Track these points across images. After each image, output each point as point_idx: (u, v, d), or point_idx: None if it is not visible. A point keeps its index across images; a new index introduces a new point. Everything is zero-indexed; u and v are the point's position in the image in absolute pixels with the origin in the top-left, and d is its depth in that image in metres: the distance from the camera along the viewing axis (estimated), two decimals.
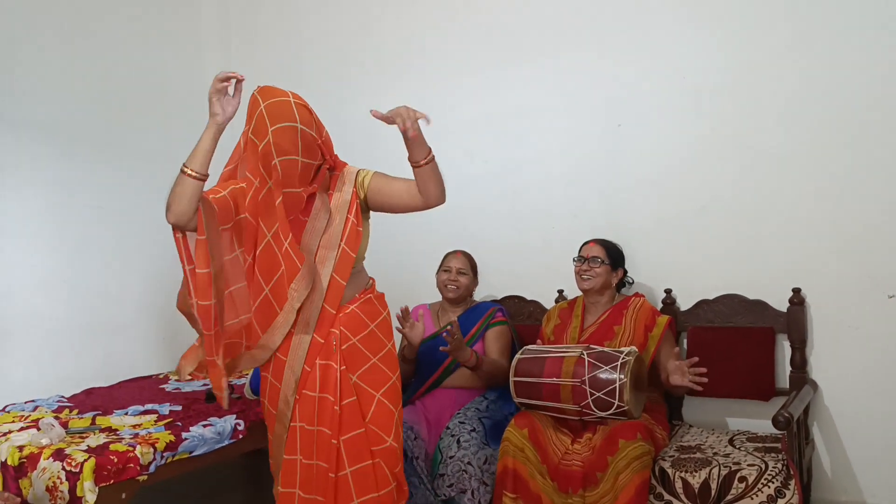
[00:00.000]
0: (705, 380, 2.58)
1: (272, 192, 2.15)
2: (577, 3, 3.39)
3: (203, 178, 2.10)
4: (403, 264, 3.71)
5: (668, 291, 3.19)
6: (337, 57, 4.06)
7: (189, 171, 2.09)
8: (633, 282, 3.14)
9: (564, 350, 2.74)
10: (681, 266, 3.18)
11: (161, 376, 3.83)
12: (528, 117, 3.51)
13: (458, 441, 2.75)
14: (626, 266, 3.08)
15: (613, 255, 3.02)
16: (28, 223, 3.58)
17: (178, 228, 2.11)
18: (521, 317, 3.49)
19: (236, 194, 2.21)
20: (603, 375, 2.58)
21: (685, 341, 3.14)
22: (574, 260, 3.05)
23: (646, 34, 3.23)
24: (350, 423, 2.20)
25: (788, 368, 2.95)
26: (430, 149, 2.15)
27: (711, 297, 3.11)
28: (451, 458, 2.72)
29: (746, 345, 2.98)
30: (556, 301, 3.40)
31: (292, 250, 2.15)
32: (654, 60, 3.22)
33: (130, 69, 4.04)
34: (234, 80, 2.15)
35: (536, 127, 3.50)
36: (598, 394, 2.58)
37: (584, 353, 2.67)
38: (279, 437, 2.29)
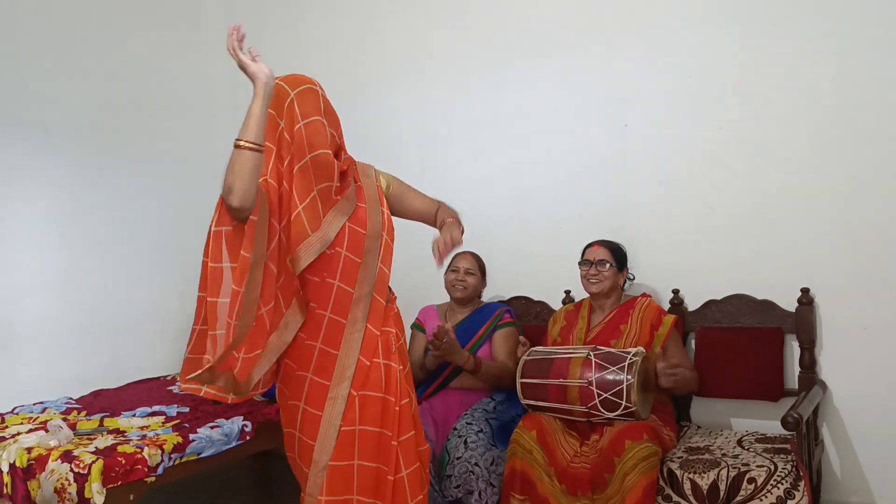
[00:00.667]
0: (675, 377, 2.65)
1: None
2: (582, 3, 3.38)
3: (261, 148, 1.95)
4: (412, 264, 3.70)
5: (675, 292, 3.18)
6: (343, 59, 4.05)
7: (245, 144, 1.93)
8: (633, 278, 3.12)
9: (571, 351, 2.74)
10: (688, 266, 3.17)
11: (169, 378, 3.84)
12: (534, 117, 3.50)
13: (466, 442, 2.74)
14: (629, 266, 3.07)
15: (619, 257, 3.01)
16: (36, 225, 3.59)
17: (239, 214, 1.93)
18: (528, 317, 3.48)
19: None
20: (610, 376, 2.57)
21: (693, 342, 3.13)
22: (579, 263, 3.04)
23: (652, 34, 3.22)
24: (405, 424, 2.13)
25: (797, 369, 2.93)
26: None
27: (719, 297, 3.10)
28: (458, 458, 2.71)
29: (755, 345, 2.97)
30: (564, 302, 3.39)
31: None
32: (661, 60, 3.21)
33: (137, 73, 4.06)
34: (243, 36, 2.09)
35: (542, 127, 3.49)
36: (605, 395, 2.57)
37: (591, 353, 2.66)
38: (323, 442, 2.07)
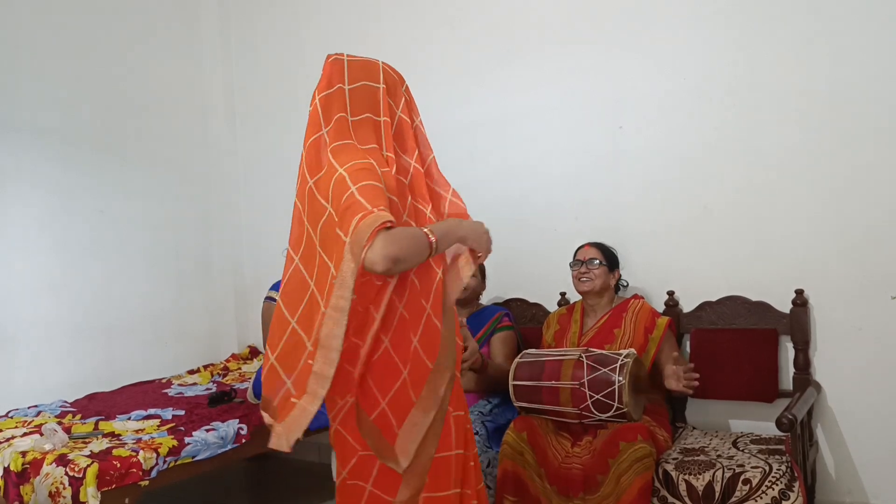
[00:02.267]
0: (697, 384, 2.60)
1: None
2: (577, 5, 3.39)
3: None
4: None
5: (670, 293, 3.18)
6: None
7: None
8: (627, 284, 3.13)
9: (563, 353, 2.74)
10: (683, 268, 3.18)
11: (164, 381, 3.84)
12: (530, 119, 3.51)
13: None
14: (621, 269, 3.08)
15: (609, 257, 3.02)
16: (30, 228, 3.59)
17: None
18: (523, 319, 3.49)
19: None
20: (602, 377, 2.58)
21: (688, 343, 3.14)
22: (570, 265, 3.05)
23: (647, 36, 3.23)
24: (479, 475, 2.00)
25: (792, 370, 2.94)
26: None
27: (714, 298, 3.10)
28: None
29: (749, 346, 2.98)
30: (559, 304, 3.39)
31: None
32: (656, 62, 3.22)
33: (131, 75, 4.06)
34: None
35: (538, 129, 3.49)
36: (597, 396, 2.57)
37: (583, 355, 2.67)
38: (434, 432, 1.78)
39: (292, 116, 4.25)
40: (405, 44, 3.86)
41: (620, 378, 2.55)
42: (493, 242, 1.97)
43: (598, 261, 2.97)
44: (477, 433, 2.80)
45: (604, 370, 2.59)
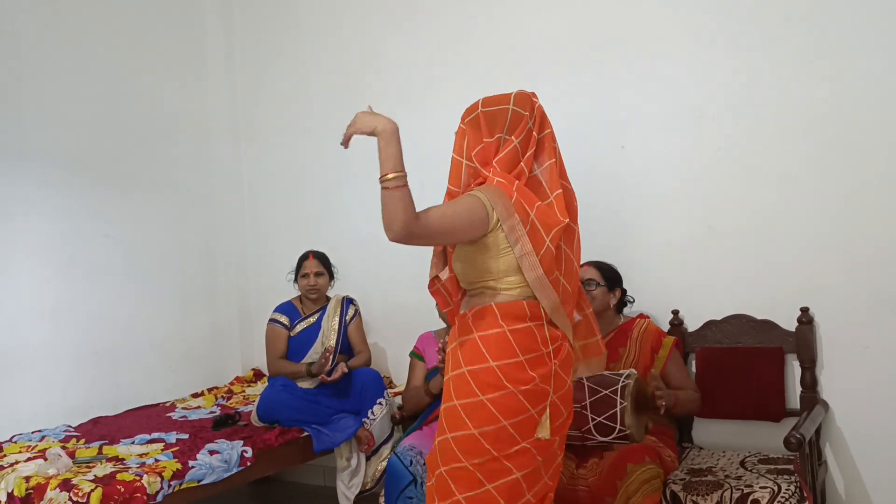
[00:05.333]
0: (663, 403, 2.61)
1: None
2: (578, 26, 3.41)
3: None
4: (409, 294, 3.72)
5: (675, 312, 3.17)
6: (342, 81, 4.09)
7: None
8: (633, 301, 3.10)
9: None
10: (688, 287, 3.17)
11: (168, 404, 3.83)
12: None
13: None
14: (624, 286, 3.05)
15: (608, 276, 3.00)
16: (35, 252, 3.60)
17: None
18: None
19: None
20: (603, 400, 2.55)
21: (694, 362, 3.12)
22: None
23: (647, 56, 3.25)
24: None
25: (799, 388, 2.92)
26: (390, 170, 1.92)
27: (719, 317, 3.09)
28: None
29: (756, 365, 2.96)
30: None
31: None
32: (657, 82, 3.23)
33: (136, 99, 4.09)
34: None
35: None
36: (598, 419, 2.55)
37: (583, 377, 2.65)
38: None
39: (297, 140, 4.30)
40: (409, 67, 3.89)
41: (622, 401, 2.52)
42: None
43: (595, 282, 2.95)
44: None
45: (605, 392, 2.57)
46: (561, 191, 2.21)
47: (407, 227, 1.90)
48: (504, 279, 2.10)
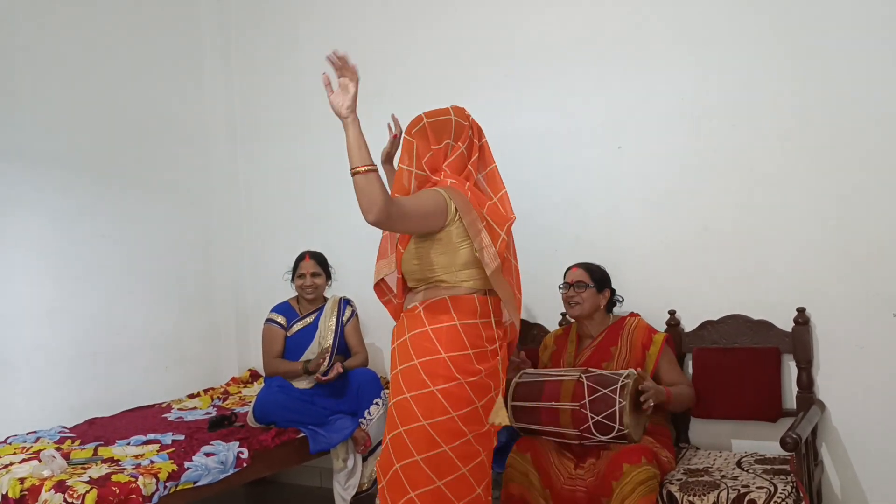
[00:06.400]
0: (652, 403, 2.61)
1: None
2: (575, 27, 3.41)
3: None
4: None
5: (671, 313, 3.17)
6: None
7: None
8: (622, 300, 3.10)
9: (563, 374, 2.73)
10: (684, 287, 3.17)
11: (163, 405, 3.82)
12: (529, 141, 3.52)
13: None
14: (613, 285, 3.06)
15: (597, 277, 3.00)
16: (30, 253, 3.58)
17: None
18: (524, 340, 3.47)
19: None
20: (602, 399, 2.56)
21: (690, 363, 3.12)
22: (560, 287, 3.05)
23: (645, 56, 3.25)
24: None
25: (795, 389, 2.93)
26: (360, 161, 2.03)
27: (716, 318, 3.09)
28: None
29: (752, 365, 2.96)
30: (560, 324, 3.38)
31: None
32: (654, 82, 3.23)
33: (133, 100, 4.07)
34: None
35: (537, 151, 3.50)
36: (597, 417, 2.55)
37: (583, 376, 2.65)
38: None
39: (294, 140, 4.29)
40: (406, 67, 3.89)
41: (621, 400, 2.53)
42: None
43: (584, 284, 2.96)
44: None
45: (604, 391, 2.57)
46: (504, 191, 2.38)
47: (386, 207, 2.02)
48: (459, 272, 2.23)
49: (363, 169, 2.02)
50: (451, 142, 2.32)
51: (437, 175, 2.31)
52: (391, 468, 2.19)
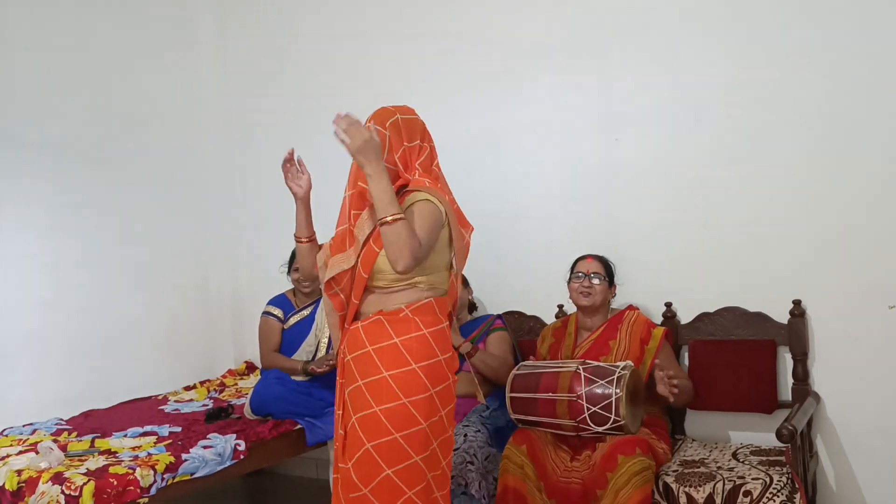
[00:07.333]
0: (676, 391, 2.66)
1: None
2: (574, 18, 3.40)
3: (308, 240, 2.41)
4: None
5: (668, 305, 3.18)
6: (333, 78, 4.07)
7: (297, 238, 2.41)
8: (615, 295, 3.11)
9: (560, 365, 2.73)
10: (681, 279, 3.18)
11: (160, 397, 3.82)
12: (527, 133, 3.52)
13: (465, 436, 2.82)
14: (617, 283, 3.08)
15: (609, 272, 3.02)
16: (25, 244, 3.57)
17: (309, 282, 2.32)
18: (521, 332, 3.48)
19: None
20: (599, 390, 2.57)
21: (686, 355, 3.13)
22: (570, 276, 3.05)
23: (643, 48, 3.24)
24: (338, 433, 2.25)
25: (790, 381, 2.94)
26: (385, 212, 2.05)
27: (712, 310, 3.10)
28: (454, 450, 2.71)
29: (748, 357, 2.97)
30: (556, 316, 3.39)
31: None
32: (652, 75, 3.22)
33: (127, 90, 4.05)
34: (295, 157, 2.45)
35: (534, 142, 3.50)
36: (594, 408, 2.56)
37: (580, 367, 2.66)
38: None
39: (290, 132, 4.27)
40: (402, 60, 3.87)
41: (618, 390, 2.54)
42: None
43: (602, 276, 2.97)
44: (479, 431, 2.88)
45: (601, 382, 2.58)
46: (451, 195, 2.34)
47: (413, 255, 2.04)
48: (432, 274, 2.20)
49: (390, 219, 2.03)
50: (420, 142, 2.27)
51: (410, 172, 2.24)
52: (361, 447, 2.11)
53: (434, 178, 2.26)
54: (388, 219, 2.03)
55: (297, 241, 2.42)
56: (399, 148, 2.23)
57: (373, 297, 2.20)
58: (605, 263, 3.02)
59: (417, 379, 2.11)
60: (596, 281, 2.95)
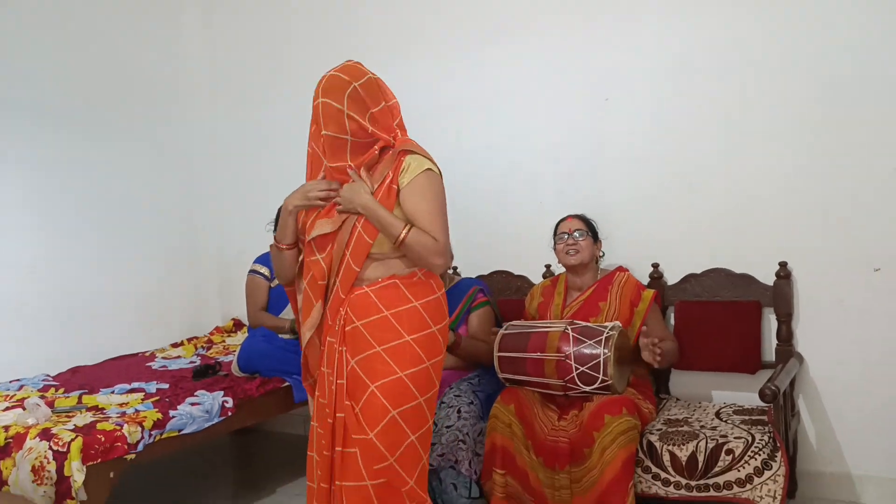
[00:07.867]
0: (660, 358, 2.67)
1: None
2: None
3: (291, 247, 2.27)
4: None
5: (655, 266, 3.19)
6: (321, 41, 4.01)
7: (287, 246, 2.27)
8: (603, 255, 3.11)
9: (548, 325, 2.74)
10: (668, 240, 3.19)
11: (147, 354, 3.82)
12: (515, 93, 3.48)
13: (459, 411, 2.77)
14: (602, 240, 3.08)
15: (592, 228, 3.02)
16: (12, 207, 3.55)
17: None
18: (508, 291, 3.49)
19: None
20: (587, 350, 2.59)
21: (672, 315, 3.15)
22: (554, 239, 3.04)
23: (633, 9, 3.20)
24: (340, 403, 2.11)
25: (774, 342, 2.97)
26: (396, 230, 2.08)
27: (699, 271, 3.11)
28: (448, 427, 2.72)
29: (733, 318, 3.00)
30: (544, 276, 3.39)
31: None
32: (642, 36, 3.19)
33: (114, 55, 4.01)
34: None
35: (524, 103, 3.47)
36: (582, 368, 2.58)
37: (569, 327, 2.67)
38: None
39: (276, 98, 4.22)
40: (389, 22, 3.82)
41: (606, 350, 2.56)
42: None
43: (584, 231, 2.97)
44: (472, 403, 2.83)
45: (589, 342, 2.60)
46: None
47: (445, 250, 2.12)
48: None
49: (403, 234, 2.07)
50: (385, 102, 2.16)
51: (390, 133, 2.16)
52: (388, 414, 2.05)
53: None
54: (401, 236, 2.07)
55: (282, 249, 2.27)
56: (365, 116, 2.11)
57: (376, 263, 2.15)
58: (585, 220, 3.01)
59: (436, 342, 2.14)
60: (579, 236, 2.95)
